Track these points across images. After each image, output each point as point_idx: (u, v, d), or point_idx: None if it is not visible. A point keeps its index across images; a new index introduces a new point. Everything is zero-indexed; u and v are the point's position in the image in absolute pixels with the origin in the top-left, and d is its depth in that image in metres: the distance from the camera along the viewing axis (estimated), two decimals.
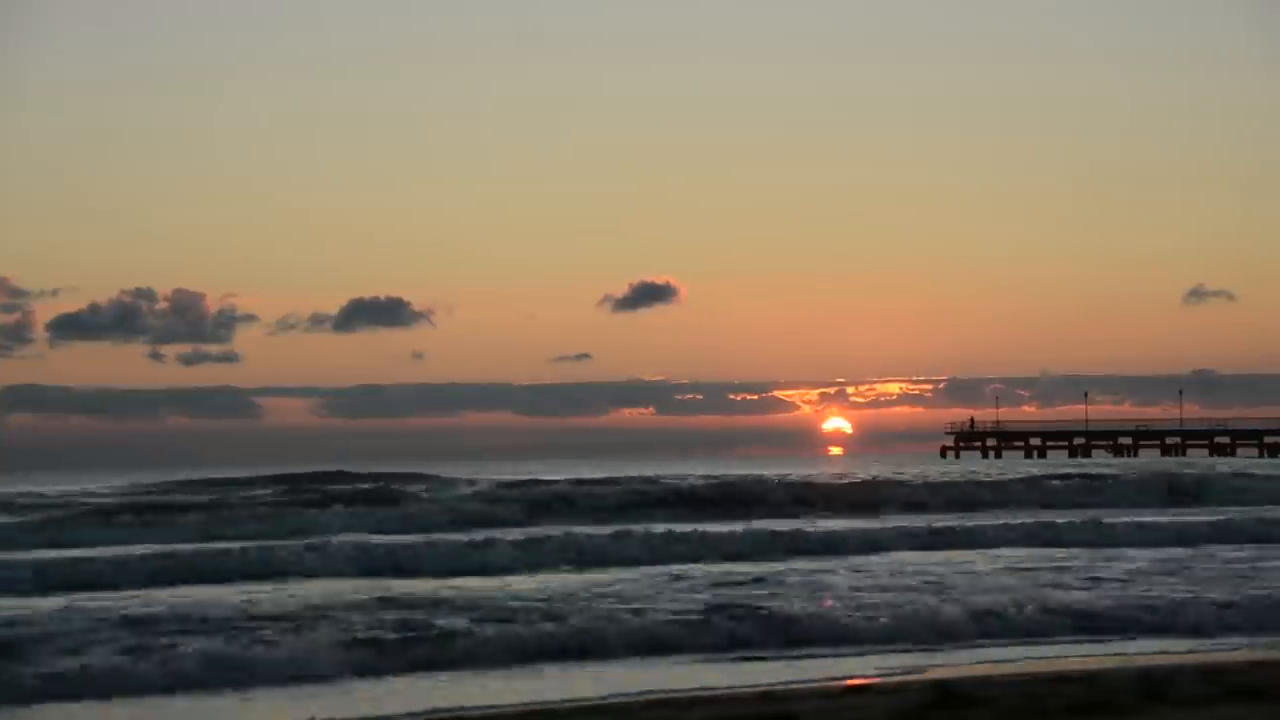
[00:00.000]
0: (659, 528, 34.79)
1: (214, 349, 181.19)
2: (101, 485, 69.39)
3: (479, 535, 34.03)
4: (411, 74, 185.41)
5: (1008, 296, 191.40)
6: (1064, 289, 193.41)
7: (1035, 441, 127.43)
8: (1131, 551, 31.35)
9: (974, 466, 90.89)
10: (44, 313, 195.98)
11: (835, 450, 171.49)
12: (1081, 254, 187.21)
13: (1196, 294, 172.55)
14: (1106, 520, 37.78)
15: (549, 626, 19.68)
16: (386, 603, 22.19)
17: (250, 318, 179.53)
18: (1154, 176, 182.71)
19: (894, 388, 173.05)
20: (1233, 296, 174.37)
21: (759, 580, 25.39)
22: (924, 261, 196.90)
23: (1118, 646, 18.96)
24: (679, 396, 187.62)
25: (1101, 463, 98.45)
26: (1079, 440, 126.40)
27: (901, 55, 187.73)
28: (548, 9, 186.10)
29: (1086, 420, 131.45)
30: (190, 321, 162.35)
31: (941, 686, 13.86)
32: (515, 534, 34.99)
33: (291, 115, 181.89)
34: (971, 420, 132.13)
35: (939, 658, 18.30)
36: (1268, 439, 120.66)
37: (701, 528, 35.17)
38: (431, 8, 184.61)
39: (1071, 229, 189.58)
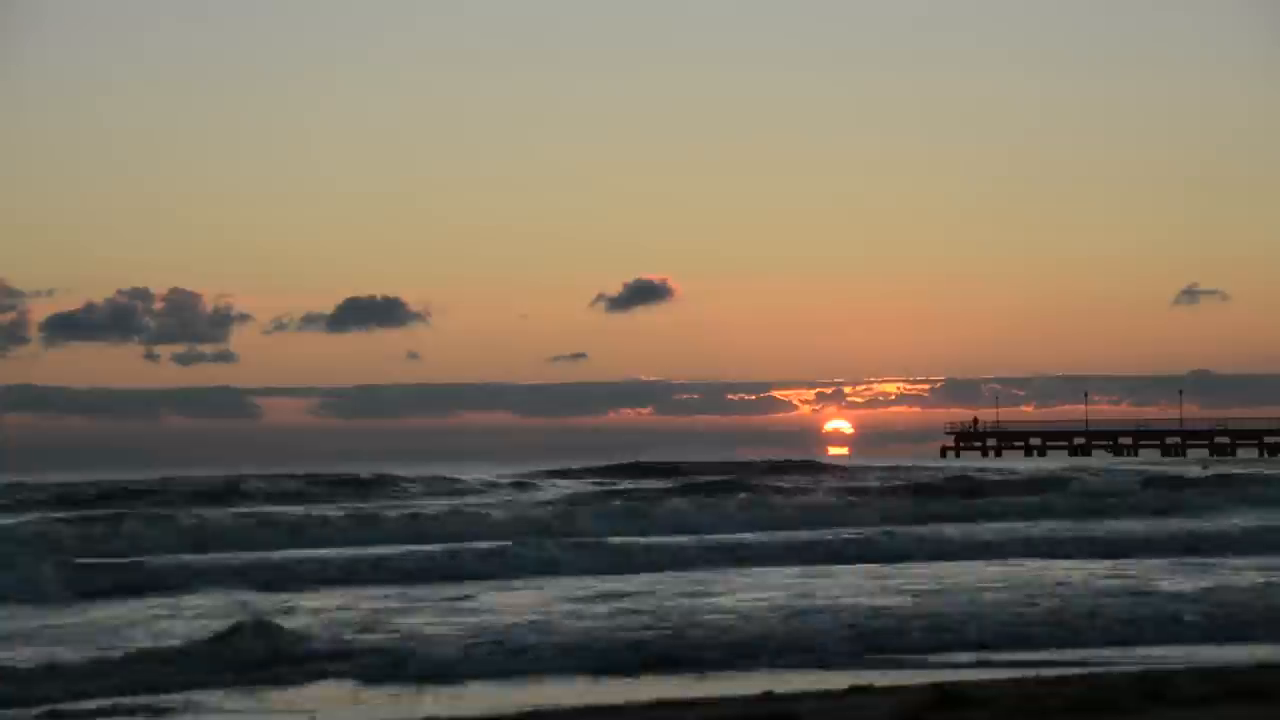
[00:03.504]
0: None
1: (210, 349, 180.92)
2: None
3: None
4: (407, 75, 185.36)
5: (1003, 296, 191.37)
6: (1058, 289, 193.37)
7: (1035, 441, 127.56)
8: None
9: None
10: (39, 312, 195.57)
11: (839, 450, 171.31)
12: (1075, 254, 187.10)
13: (1190, 293, 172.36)
14: None
15: None
16: None
17: (246, 317, 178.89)
18: (1147, 176, 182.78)
19: (891, 388, 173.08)
20: (1226, 296, 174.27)
21: None
22: (920, 262, 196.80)
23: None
24: (677, 396, 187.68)
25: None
26: (1079, 440, 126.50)
27: (899, 57, 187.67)
28: (542, 11, 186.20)
29: (1086, 420, 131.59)
30: (186, 321, 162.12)
31: (941, 687, 13.87)
32: None
33: (286, 115, 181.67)
34: (975, 419, 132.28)
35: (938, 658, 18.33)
36: (1268, 439, 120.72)
37: None
38: (429, 9, 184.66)
39: (1065, 229, 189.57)
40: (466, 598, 25.08)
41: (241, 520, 40.78)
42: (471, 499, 56.88)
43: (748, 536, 37.15)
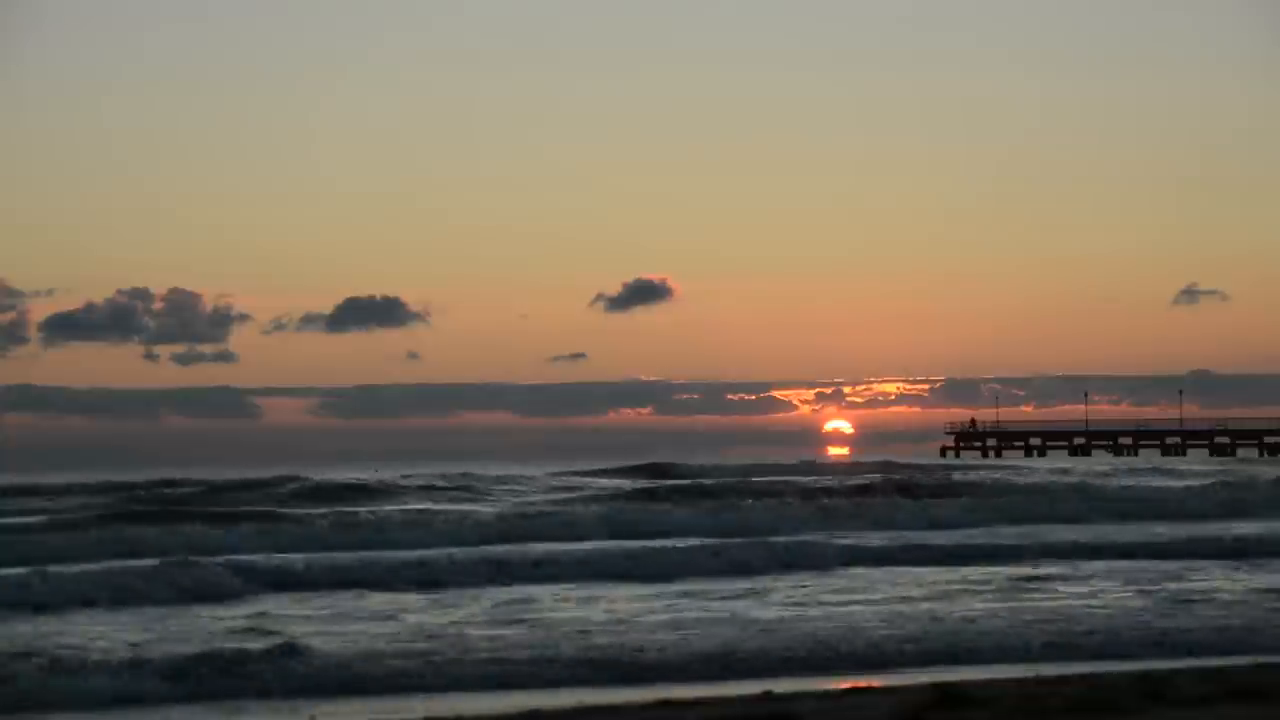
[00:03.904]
0: None
1: (209, 349, 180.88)
2: None
3: None
4: (406, 75, 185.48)
5: (1003, 296, 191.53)
6: (1058, 289, 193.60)
7: (1035, 441, 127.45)
8: None
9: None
10: (39, 312, 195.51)
11: (839, 451, 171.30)
12: (1075, 254, 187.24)
13: (1189, 293, 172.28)
14: None
15: None
16: None
17: (245, 317, 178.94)
18: (1146, 176, 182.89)
19: (891, 388, 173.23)
20: (1226, 296, 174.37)
21: None
22: (920, 262, 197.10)
23: None
24: (677, 396, 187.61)
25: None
26: (1079, 440, 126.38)
27: (900, 58, 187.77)
28: (542, 11, 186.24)
29: (1086, 420, 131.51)
30: (185, 321, 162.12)
31: (941, 686, 13.85)
32: None
33: (286, 115, 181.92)
34: (973, 420, 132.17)
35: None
36: (1268, 439, 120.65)
37: None
38: (428, 10, 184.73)
39: (1065, 229, 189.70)
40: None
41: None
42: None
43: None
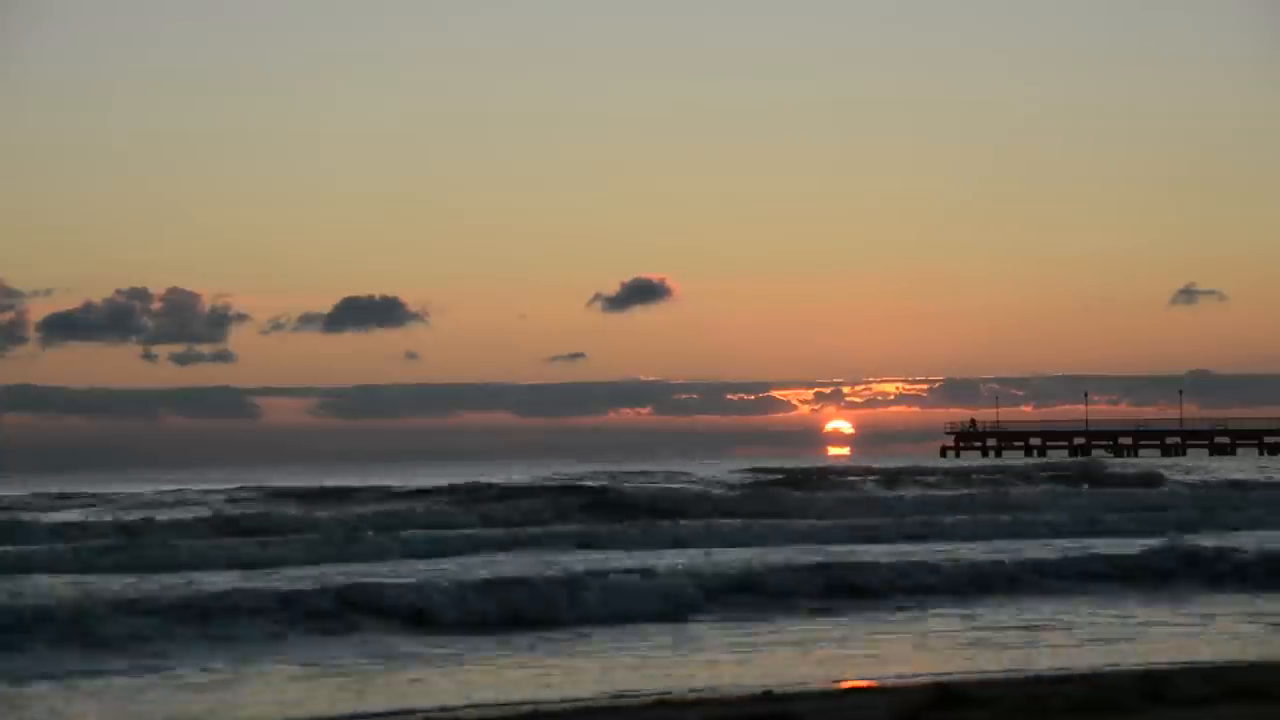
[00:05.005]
0: None
1: (208, 349, 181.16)
2: None
3: None
4: (406, 76, 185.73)
5: (1003, 296, 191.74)
6: (1057, 289, 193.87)
7: (1035, 441, 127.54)
8: None
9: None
10: (37, 312, 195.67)
11: (839, 450, 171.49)
12: (1073, 254, 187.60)
13: (1187, 293, 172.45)
14: None
15: None
16: None
17: (244, 317, 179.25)
18: (1145, 176, 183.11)
19: (890, 388, 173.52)
20: (1224, 296, 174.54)
21: None
22: (919, 262, 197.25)
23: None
24: (676, 396, 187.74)
25: None
26: (1079, 440, 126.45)
27: (900, 57, 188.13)
28: (543, 12, 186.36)
29: (1086, 420, 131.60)
30: (184, 321, 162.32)
31: (942, 686, 13.85)
32: None
33: (285, 116, 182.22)
34: (973, 420, 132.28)
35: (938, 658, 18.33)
36: (1268, 439, 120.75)
37: None
38: (429, 11, 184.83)
39: (1064, 229, 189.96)
40: None
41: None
42: None
43: None
